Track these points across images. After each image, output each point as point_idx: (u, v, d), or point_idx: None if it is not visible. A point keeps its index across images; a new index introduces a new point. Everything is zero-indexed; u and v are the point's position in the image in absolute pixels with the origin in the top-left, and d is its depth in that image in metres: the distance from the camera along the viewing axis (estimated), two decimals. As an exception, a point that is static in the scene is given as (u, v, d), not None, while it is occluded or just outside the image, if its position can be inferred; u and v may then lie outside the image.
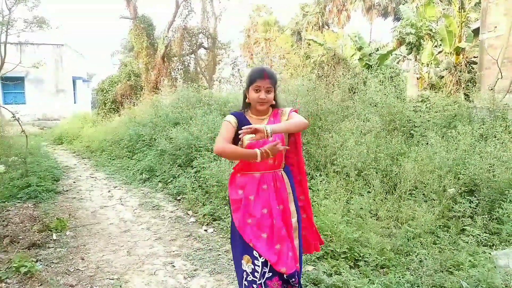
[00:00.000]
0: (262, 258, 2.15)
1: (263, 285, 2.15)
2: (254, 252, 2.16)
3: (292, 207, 2.27)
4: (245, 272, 2.20)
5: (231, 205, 2.27)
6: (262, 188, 2.20)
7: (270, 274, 2.16)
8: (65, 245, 3.94)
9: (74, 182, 7.04)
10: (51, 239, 4.04)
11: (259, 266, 2.16)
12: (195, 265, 3.49)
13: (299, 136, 2.38)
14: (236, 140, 2.20)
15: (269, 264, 2.14)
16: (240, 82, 11.98)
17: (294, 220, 2.26)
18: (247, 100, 2.27)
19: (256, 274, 2.16)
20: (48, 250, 3.79)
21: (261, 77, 2.18)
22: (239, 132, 2.03)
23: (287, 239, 2.18)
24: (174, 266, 3.48)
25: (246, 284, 2.19)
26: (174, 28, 15.15)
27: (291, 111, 2.31)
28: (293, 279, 2.14)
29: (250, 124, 2.16)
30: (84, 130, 13.17)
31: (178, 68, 15.74)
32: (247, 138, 2.08)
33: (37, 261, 3.50)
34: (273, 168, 2.24)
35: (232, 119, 2.23)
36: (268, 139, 2.05)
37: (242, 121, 2.21)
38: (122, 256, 3.71)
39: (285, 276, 2.13)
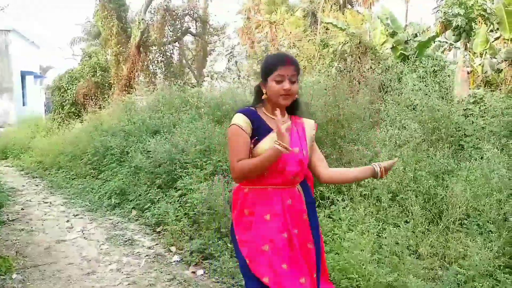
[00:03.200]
0: None
1: None
2: None
3: (309, 230, 2.31)
4: None
5: (238, 232, 2.29)
6: (280, 206, 2.22)
7: None
8: (10, 292, 3.95)
9: (22, 209, 7.05)
10: (-8, 284, 4.05)
11: None
12: (180, 318, 3.49)
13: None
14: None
15: None
16: (238, 78, 12.07)
17: (310, 245, 2.29)
18: (263, 96, 2.29)
19: None
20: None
21: (283, 63, 2.21)
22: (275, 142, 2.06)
23: (308, 272, 2.21)
24: (152, 319, 3.48)
25: None
26: (153, 9, 15.36)
27: (315, 127, 2.44)
28: None
29: (267, 125, 2.23)
30: (36, 140, 13.24)
31: (157, 60, 15.88)
32: (265, 147, 2.15)
33: (-26, 313, 3.51)
34: (291, 183, 2.27)
35: (245, 122, 2.22)
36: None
37: (258, 123, 2.23)
38: (85, 306, 3.71)
39: None
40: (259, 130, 2.23)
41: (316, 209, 2.51)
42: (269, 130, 2.24)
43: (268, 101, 2.29)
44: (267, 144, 2.16)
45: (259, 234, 2.20)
